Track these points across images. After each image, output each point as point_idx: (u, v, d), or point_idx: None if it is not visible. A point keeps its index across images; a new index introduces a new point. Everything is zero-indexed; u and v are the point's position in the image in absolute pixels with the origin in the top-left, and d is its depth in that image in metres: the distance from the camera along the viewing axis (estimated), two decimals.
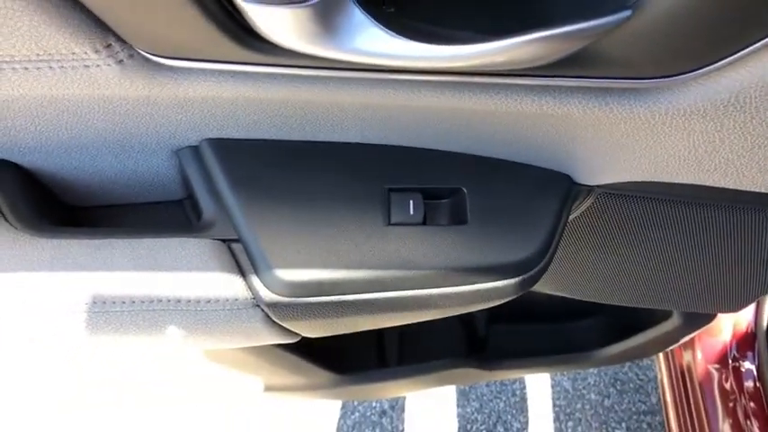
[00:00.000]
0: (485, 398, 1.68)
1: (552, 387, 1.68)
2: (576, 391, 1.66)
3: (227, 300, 0.50)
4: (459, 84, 0.44)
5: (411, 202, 0.53)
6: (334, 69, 0.42)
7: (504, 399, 1.67)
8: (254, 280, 0.50)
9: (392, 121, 0.49)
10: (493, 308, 1.14)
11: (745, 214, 0.59)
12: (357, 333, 0.63)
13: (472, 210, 0.53)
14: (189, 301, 0.50)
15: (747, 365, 1.11)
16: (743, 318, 1.10)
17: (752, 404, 1.11)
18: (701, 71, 0.39)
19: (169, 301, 0.49)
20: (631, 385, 1.65)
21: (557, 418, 1.65)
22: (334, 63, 0.40)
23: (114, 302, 0.48)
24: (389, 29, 0.37)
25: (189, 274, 0.50)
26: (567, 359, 1.00)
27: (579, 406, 1.65)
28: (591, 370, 1.69)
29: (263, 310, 0.50)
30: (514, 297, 0.55)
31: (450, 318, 1.09)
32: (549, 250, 0.53)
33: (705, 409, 1.18)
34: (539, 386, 1.69)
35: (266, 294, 0.49)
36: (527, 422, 1.64)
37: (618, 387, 1.66)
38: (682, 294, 0.73)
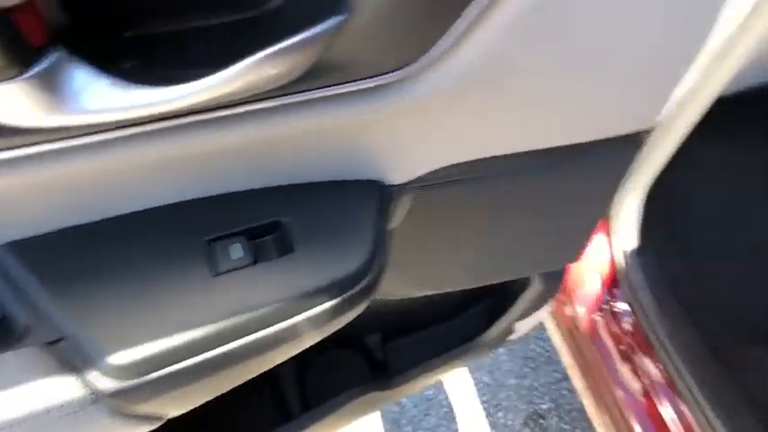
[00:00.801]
0: (416, 419, 1.68)
1: (475, 385, 1.72)
2: (496, 381, 1.71)
3: (65, 404, 0.47)
4: (216, 120, 0.45)
5: (235, 246, 0.53)
6: (84, 136, 0.41)
7: (434, 413, 1.68)
8: (89, 374, 0.47)
9: (180, 174, 0.49)
10: (385, 327, 1.14)
11: (542, 173, 0.64)
12: (248, 393, 0.61)
13: (297, 237, 0.54)
14: (26, 420, 0.46)
15: (621, 306, 1.20)
16: (603, 262, 1.19)
17: (636, 340, 1.19)
18: (428, 57, 0.43)
19: (4, 424, 0.45)
20: (542, 359, 1.72)
21: (488, 414, 1.68)
22: (78, 130, 0.39)
23: None
24: (129, 82, 0.37)
25: (19, 390, 0.47)
26: (462, 351, 1.03)
27: (503, 395, 1.69)
28: (503, 357, 1.75)
29: (106, 403, 0.48)
30: (359, 309, 0.56)
31: (345, 350, 1.08)
32: (376, 255, 0.55)
33: (602, 358, 1.25)
34: (462, 389, 1.72)
35: (105, 384, 0.47)
36: (462, 427, 1.66)
37: (531, 365, 1.73)
38: (525, 259, 0.78)
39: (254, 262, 0.52)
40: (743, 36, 0.66)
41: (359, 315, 1.04)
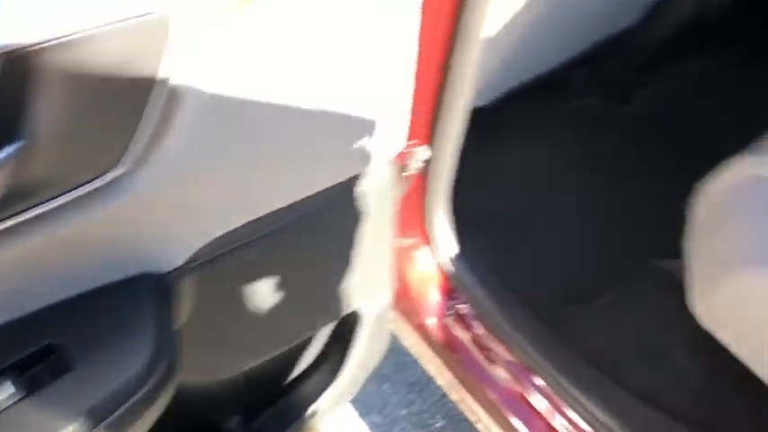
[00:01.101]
0: None
1: (369, 429, 1.71)
2: (387, 417, 1.72)
3: None
4: None
5: (3, 385, 0.49)
6: None
7: None
8: None
9: None
10: (243, 407, 1.10)
11: (299, 226, 0.67)
12: None
13: (74, 355, 0.51)
14: None
15: (463, 308, 1.26)
16: (434, 272, 1.25)
17: (487, 335, 1.26)
18: (127, 160, 0.46)
19: None
20: (424, 381, 1.76)
21: None
22: None
23: None
24: None
25: None
26: (325, 403, 1.02)
27: (398, 429, 1.70)
28: (388, 392, 1.76)
29: None
30: (155, 410, 0.55)
31: None
32: (160, 352, 0.53)
33: (465, 362, 1.30)
34: None
35: None
36: None
37: (416, 389, 1.76)
38: (333, 302, 0.81)
39: (28, 394, 0.49)
40: (463, 59, 0.76)
41: (213, 402, 1.00)
